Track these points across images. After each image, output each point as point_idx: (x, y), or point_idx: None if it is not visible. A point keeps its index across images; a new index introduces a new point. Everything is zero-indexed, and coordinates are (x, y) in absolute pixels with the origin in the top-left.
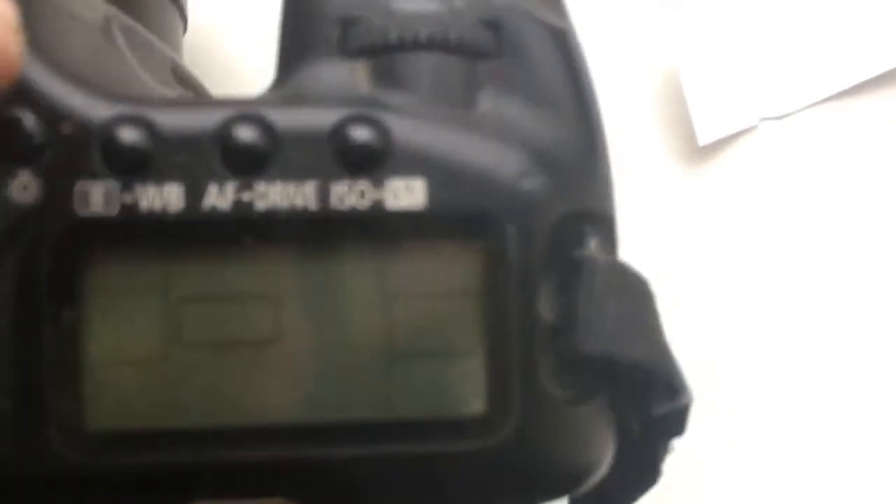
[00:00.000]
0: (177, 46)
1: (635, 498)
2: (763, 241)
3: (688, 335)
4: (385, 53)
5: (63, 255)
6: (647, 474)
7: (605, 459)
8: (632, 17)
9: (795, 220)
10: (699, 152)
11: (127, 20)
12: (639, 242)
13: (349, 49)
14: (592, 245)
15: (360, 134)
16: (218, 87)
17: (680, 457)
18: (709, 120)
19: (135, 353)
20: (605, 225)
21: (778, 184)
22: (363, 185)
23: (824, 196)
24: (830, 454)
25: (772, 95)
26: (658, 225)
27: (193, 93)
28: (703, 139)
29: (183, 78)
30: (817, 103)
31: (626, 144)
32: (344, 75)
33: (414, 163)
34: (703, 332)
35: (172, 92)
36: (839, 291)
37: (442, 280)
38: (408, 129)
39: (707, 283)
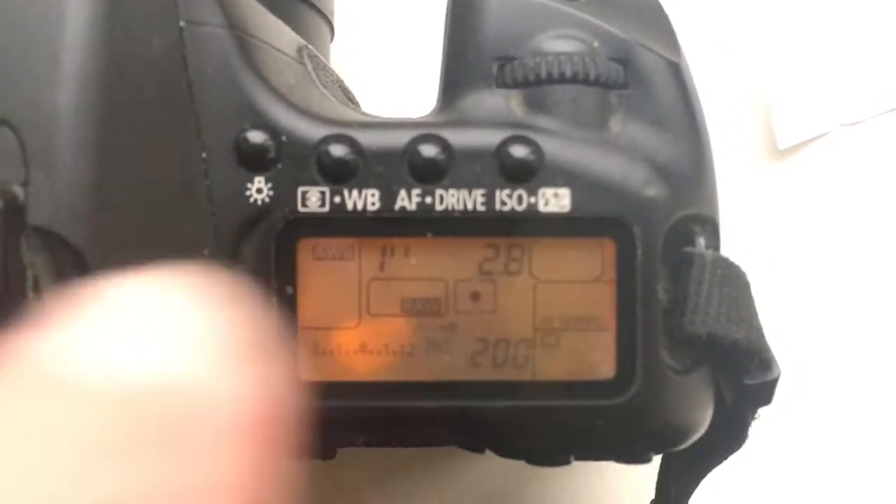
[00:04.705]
0: (326, 55)
1: (725, 457)
2: (836, 239)
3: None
4: (536, 85)
5: (286, 242)
6: (736, 438)
7: (705, 422)
8: (717, 27)
9: (865, 217)
10: (779, 154)
11: (309, 47)
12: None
13: (505, 81)
14: (701, 242)
15: (519, 151)
16: None
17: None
18: (789, 125)
19: (336, 322)
20: (710, 226)
21: (850, 185)
22: (520, 192)
23: (893, 199)
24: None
25: (847, 103)
26: (741, 220)
27: (358, 107)
28: (783, 143)
29: (346, 93)
30: (889, 111)
31: (713, 146)
32: (501, 103)
33: (561, 175)
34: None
35: (354, 111)
36: None
37: (581, 269)
38: (556, 148)
39: (783, 276)
